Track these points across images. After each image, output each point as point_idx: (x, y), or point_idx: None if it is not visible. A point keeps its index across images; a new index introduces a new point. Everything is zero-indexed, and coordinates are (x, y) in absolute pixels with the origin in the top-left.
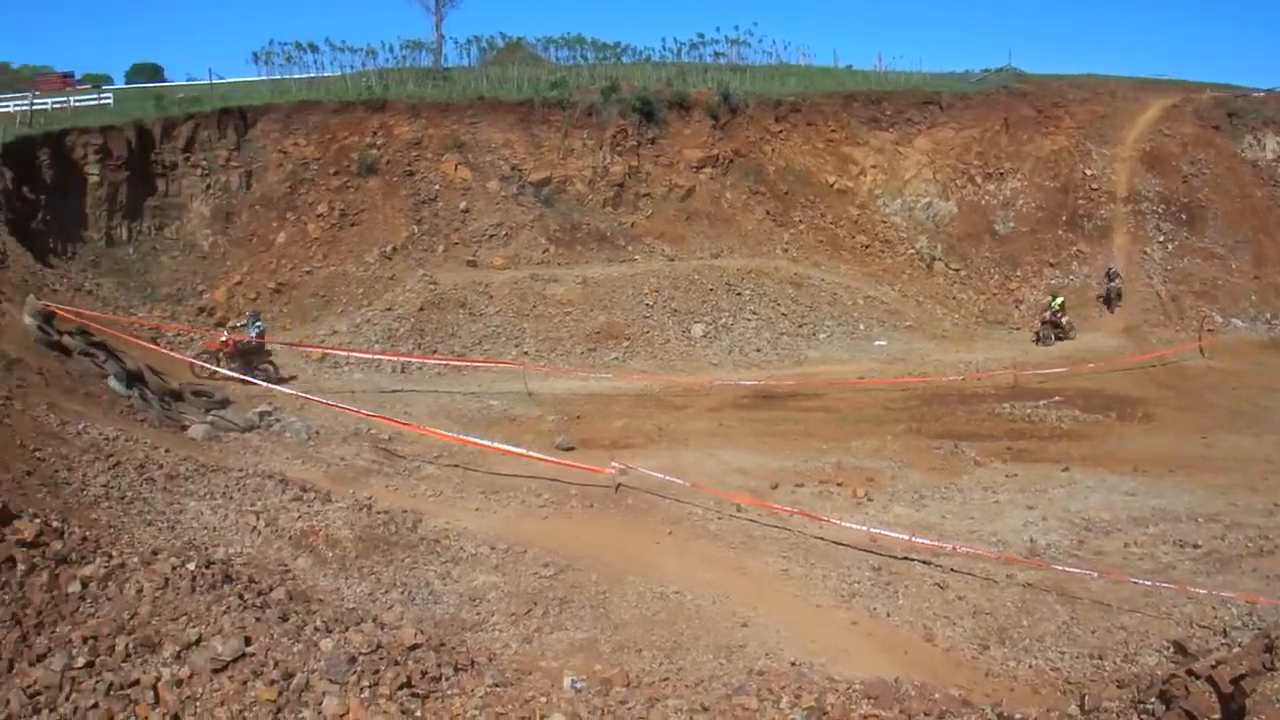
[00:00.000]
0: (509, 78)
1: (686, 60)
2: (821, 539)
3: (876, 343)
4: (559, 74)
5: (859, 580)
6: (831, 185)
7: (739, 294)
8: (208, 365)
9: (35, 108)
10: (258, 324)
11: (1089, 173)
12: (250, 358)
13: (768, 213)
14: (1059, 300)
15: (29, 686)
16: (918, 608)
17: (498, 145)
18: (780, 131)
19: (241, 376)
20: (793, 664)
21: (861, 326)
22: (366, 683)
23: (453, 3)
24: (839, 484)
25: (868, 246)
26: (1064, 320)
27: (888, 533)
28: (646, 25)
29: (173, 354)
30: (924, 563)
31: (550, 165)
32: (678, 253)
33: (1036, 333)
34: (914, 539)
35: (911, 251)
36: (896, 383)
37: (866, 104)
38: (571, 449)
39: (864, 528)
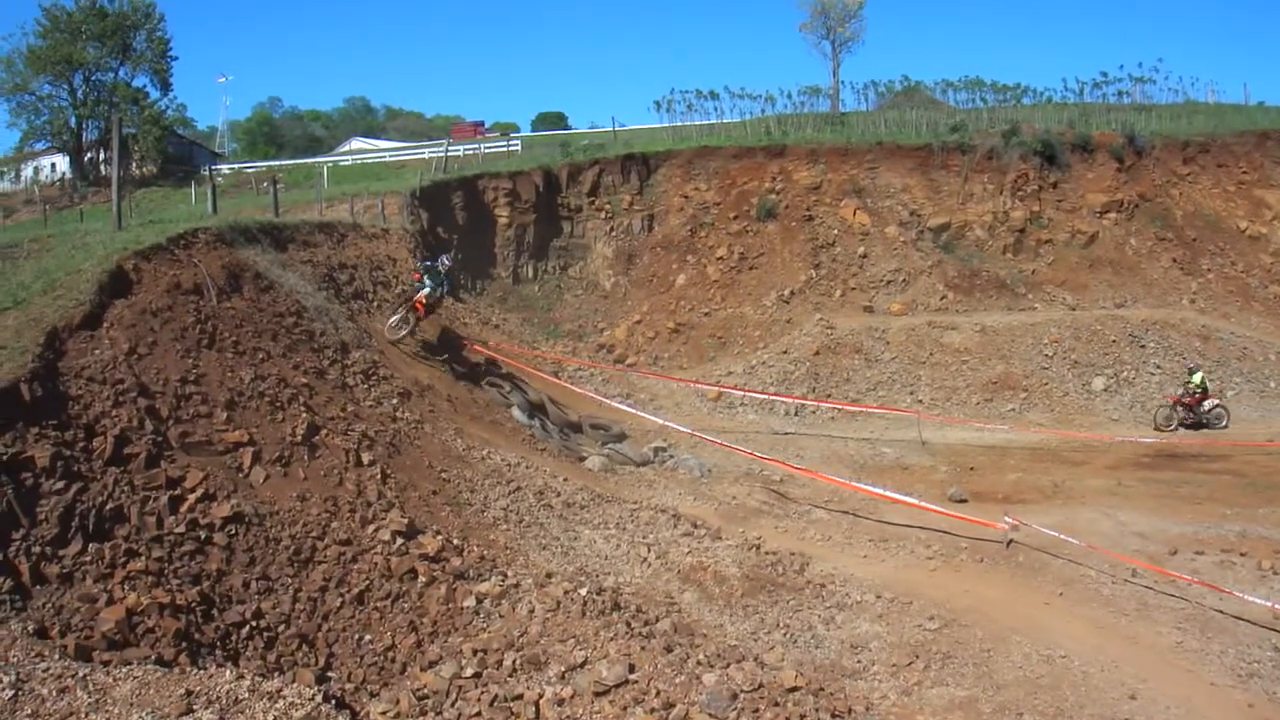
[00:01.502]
0: (907, 122)
1: (1089, 100)
2: (1221, 612)
3: None
4: (958, 117)
5: (1259, 660)
6: (1243, 231)
7: (1143, 346)
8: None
9: (449, 154)
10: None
11: None
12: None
13: (1174, 260)
14: (1198, 377)
15: (419, 689)
16: None
17: (896, 190)
18: (1188, 174)
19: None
20: None
21: (1272, 384)
22: None
23: (849, 48)
24: (1242, 554)
25: None
26: (1205, 403)
27: None
28: (1047, 65)
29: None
30: None
31: (949, 211)
32: (1079, 301)
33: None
34: None
35: None
36: None
37: None
38: (964, 501)
39: (1268, 603)
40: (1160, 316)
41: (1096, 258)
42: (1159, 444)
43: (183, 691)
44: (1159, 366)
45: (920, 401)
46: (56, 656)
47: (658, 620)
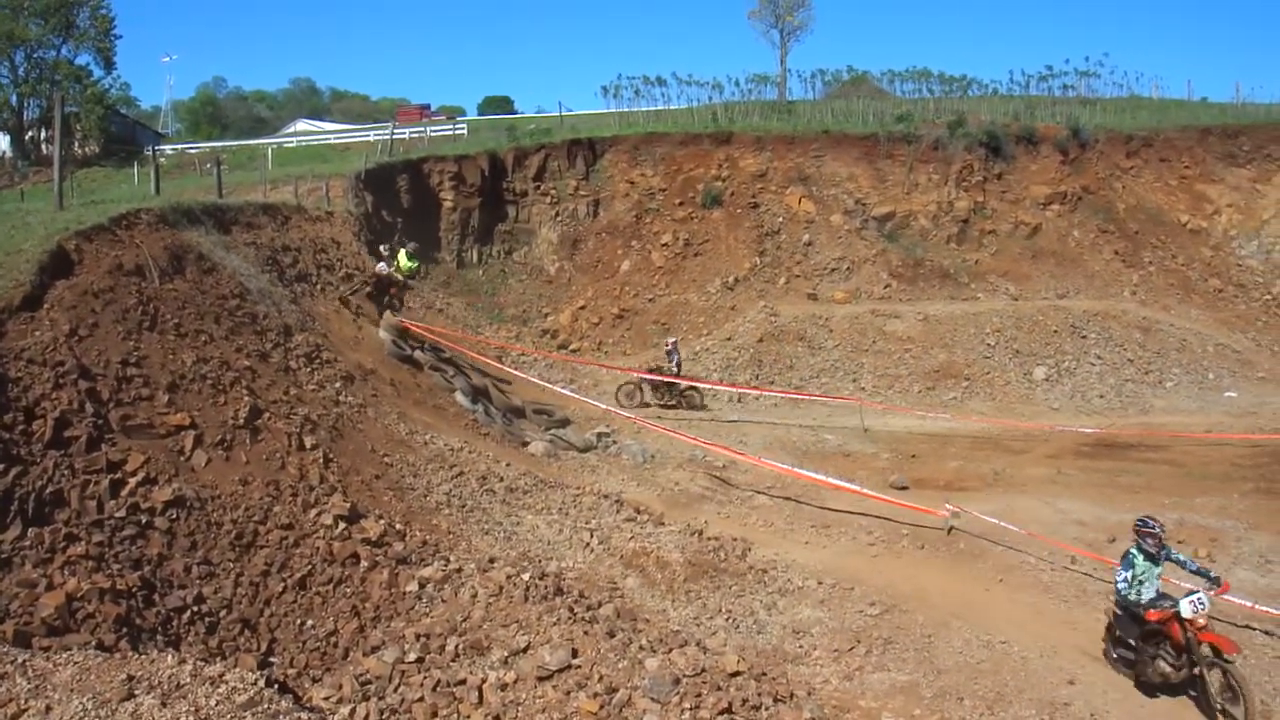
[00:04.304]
0: (854, 111)
1: (1035, 93)
2: None
3: (1226, 394)
4: (904, 108)
5: None
6: (1184, 225)
7: (1084, 337)
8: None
9: (395, 137)
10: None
11: None
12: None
13: (1116, 253)
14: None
15: (361, 675)
16: (1257, 681)
17: (842, 179)
18: (1131, 168)
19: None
20: None
21: (1211, 376)
22: (688, 705)
23: (797, 37)
24: (1180, 542)
25: (1221, 291)
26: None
27: (1229, 598)
28: (993, 58)
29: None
30: (1266, 633)
31: (894, 200)
32: (1022, 292)
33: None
34: (1257, 607)
35: (1268, 297)
36: (1247, 438)
37: (1223, 138)
38: (905, 488)
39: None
40: (1101, 308)
41: (1039, 249)
42: (1098, 434)
43: (124, 676)
44: (1100, 357)
45: (863, 389)
46: None
47: (600, 605)
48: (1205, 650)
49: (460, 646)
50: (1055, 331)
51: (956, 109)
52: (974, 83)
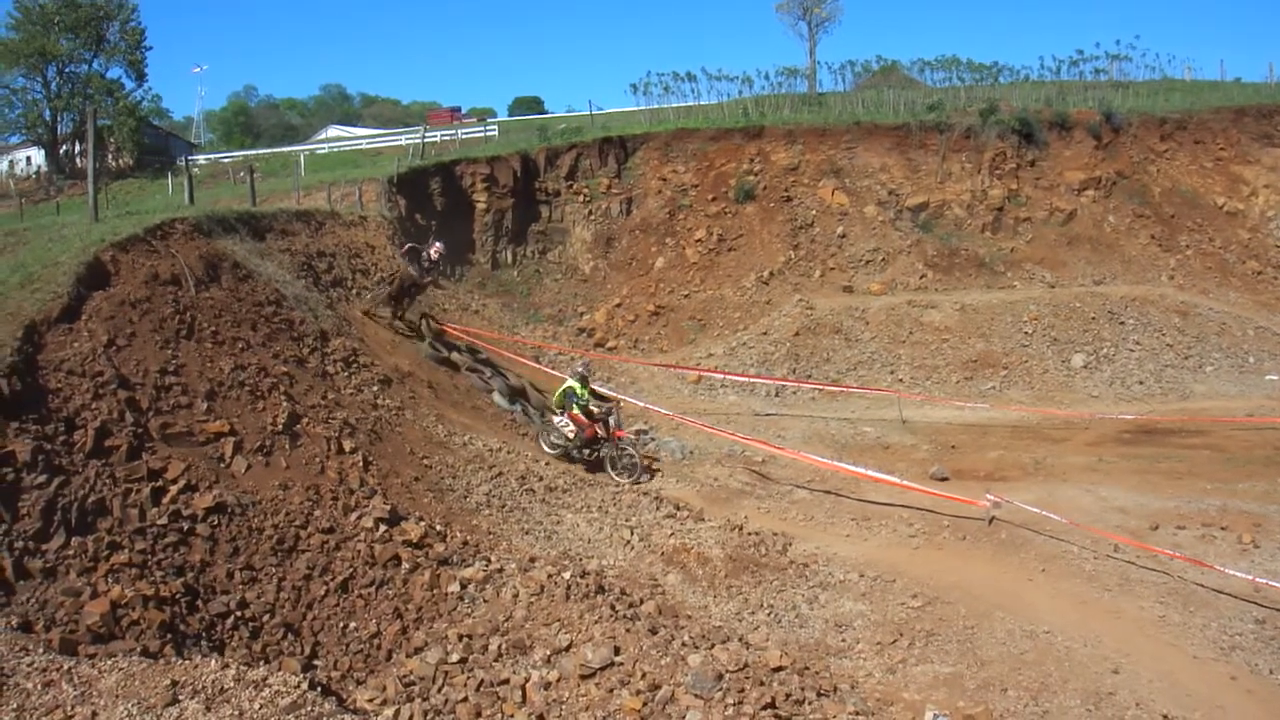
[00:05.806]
0: (884, 101)
1: (1066, 78)
2: (1202, 586)
3: (1268, 377)
4: (935, 96)
5: (1240, 633)
6: (1220, 207)
7: (1122, 323)
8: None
9: (426, 140)
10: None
11: None
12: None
13: (1153, 237)
14: None
15: (405, 676)
16: None
17: (874, 170)
18: (1166, 151)
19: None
20: (1164, 717)
21: (1251, 359)
22: (731, 700)
23: (826, 28)
24: (1223, 528)
25: (1259, 273)
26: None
27: (1274, 583)
28: (1024, 44)
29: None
30: None
31: (928, 189)
32: (1058, 279)
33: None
34: None
35: None
36: None
37: (1258, 119)
38: (945, 479)
39: (1248, 576)
40: (1139, 293)
41: (1075, 235)
42: (1139, 420)
43: (168, 682)
44: (1138, 343)
45: (900, 381)
46: (41, 650)
47: (642, 602)
48: None
49: (503, 646)
50: (1093, 318)
51: (988, 96)
52: (1005, 69)
